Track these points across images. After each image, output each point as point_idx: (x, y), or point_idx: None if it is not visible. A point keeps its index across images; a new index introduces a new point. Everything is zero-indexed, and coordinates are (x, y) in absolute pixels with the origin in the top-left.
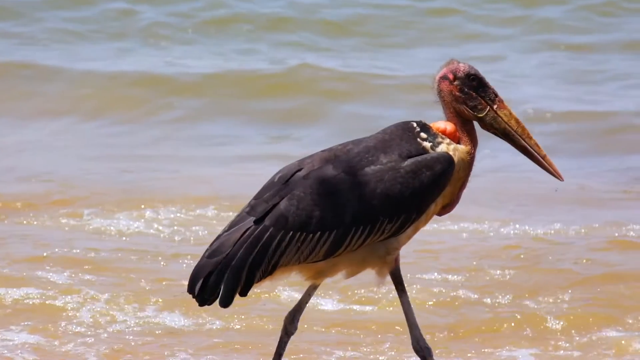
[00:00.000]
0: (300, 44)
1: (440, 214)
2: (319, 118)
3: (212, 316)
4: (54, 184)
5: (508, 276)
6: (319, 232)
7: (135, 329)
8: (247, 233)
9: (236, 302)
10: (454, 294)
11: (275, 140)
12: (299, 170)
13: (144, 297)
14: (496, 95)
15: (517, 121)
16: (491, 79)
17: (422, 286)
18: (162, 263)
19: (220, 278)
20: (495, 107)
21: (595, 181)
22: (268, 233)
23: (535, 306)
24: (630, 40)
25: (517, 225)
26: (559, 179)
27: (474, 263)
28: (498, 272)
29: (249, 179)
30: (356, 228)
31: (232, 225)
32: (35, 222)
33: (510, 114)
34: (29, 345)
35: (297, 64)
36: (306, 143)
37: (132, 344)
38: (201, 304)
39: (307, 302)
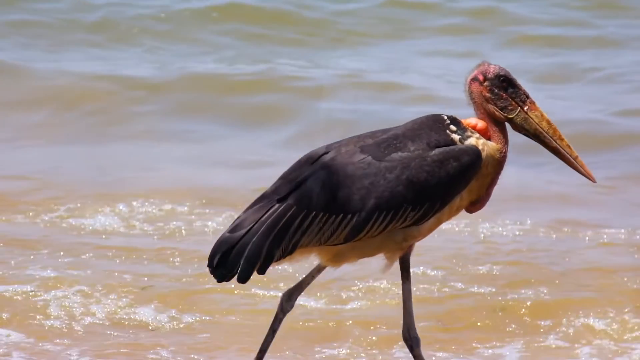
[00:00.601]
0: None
1: (469, 210)
2: (290, 116)
3: (189, 311)
4: (28, 181)
5: (489, 270)
6: (341, 215)
7: (110, 323)
8: (270, 211)
9: (217, 298)
10: (437, 288)
11: (245, 136)
12: (326, 153)
13: (121, 292)
14: (527, 97)
15: (548, 122)
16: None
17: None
18: (138, 258)
19: (241, 254)
20: (526, 108)
21: (567, 177)
22: (291, 212)
23: (517, 297)
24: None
25: (494, 222)
26: (591, 180)
27: (454, 260)
28: (479, 267)
29: (222, 175)
30: (379, 213)
31: (256, 203)
32: (8, 219)
33: (542, 115)
34: (3, 341)
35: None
36: (273, 141)
37: (109, 339)
38: (219, 279)
39: (308, 284)
